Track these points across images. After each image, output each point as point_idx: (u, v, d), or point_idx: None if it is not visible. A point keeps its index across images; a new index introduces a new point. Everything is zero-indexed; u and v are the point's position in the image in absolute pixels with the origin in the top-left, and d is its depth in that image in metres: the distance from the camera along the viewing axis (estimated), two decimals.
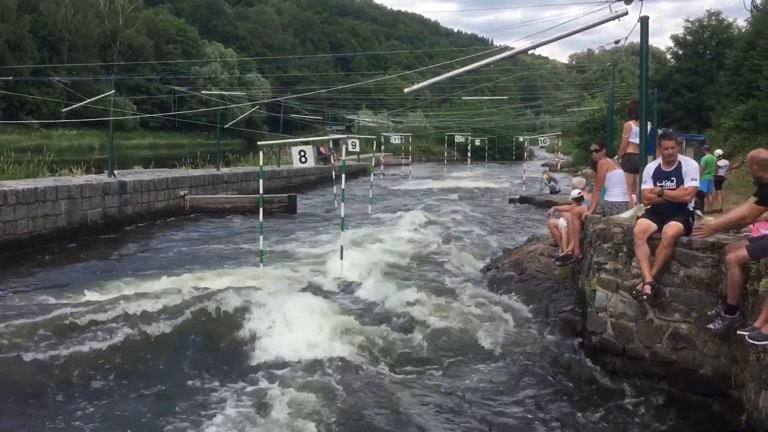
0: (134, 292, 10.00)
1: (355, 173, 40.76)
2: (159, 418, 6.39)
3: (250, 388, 7.06)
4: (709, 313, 6.89)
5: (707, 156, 18.19)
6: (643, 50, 9.26)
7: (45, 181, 16.59)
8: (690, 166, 7.64)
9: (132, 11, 79.39)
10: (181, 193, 21.15)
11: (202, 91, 39.39)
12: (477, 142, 49.39)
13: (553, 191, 27.65)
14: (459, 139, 48.83)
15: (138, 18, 79.55)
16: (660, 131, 8.26)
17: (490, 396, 7.12)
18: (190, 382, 7.27)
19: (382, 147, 38.87)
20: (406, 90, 11.23)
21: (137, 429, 6.19)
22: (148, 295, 9.54)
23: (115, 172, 19.62)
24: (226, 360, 7.86)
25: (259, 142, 13.62)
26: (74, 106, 22.55)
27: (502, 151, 69.53)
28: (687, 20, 47.46)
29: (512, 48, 12.35)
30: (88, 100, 22.17)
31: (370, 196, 21.91)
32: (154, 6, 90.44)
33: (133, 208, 18.62)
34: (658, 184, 7.63)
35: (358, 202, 24.61)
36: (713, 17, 45.29)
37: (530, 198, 26.21)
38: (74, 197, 16.19)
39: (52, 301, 9.79)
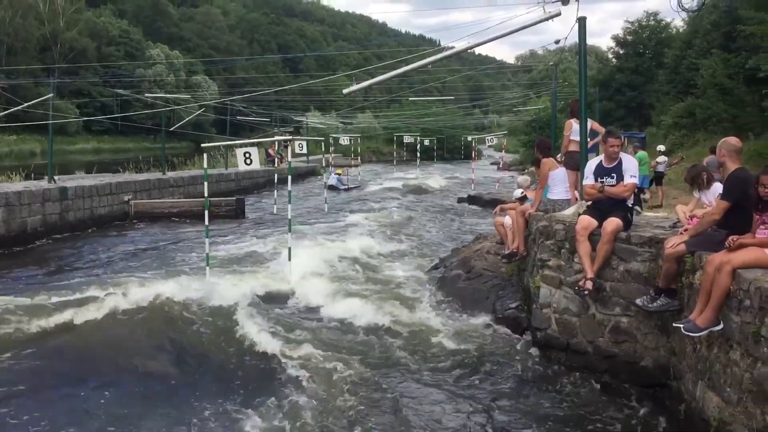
0: (74, 299, 9.72)
1: (304, 175, 40.54)
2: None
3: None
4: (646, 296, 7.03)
5: (640, 153, 18.82)
6: (581, 50, 9.47)
7: None
8: (630, 163, 7.83)
9: (73, 13, 77.13)
10: (125, 198, 20.69)
11: (146, 94, 38.50)
12: (426, 142, 49.58)
13: (333, 188, 29.57)
14: (408, 139, 48.96)
15: (79, 20, 77.34)
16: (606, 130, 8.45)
17: (438, 395, 7.15)
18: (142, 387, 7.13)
19: (331, 148, 38.58)
20: (344, 91, 10.96)
21: None
22: (88, 302, 9.30)
23: (56, 177, 19.06)
24: (171, 364, 7.74)
25: (203, 145, 13.40)
26: (11, 110, 21.84)
27: (451, 150, 70.05)
28: (627, 21, 48.51)
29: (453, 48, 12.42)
30: (26, 104, 21.53)
31: (325, 199, 21.91)
32: (96, 8, 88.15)
33: (75, 214, 18.13)
34: (599, 180, 7.80)
35: (308, 204, 24.46)
36: (651, 17, 46.38)
37: (478, 197, 26.40)
38: (12, 204, 15.68)
39: None
